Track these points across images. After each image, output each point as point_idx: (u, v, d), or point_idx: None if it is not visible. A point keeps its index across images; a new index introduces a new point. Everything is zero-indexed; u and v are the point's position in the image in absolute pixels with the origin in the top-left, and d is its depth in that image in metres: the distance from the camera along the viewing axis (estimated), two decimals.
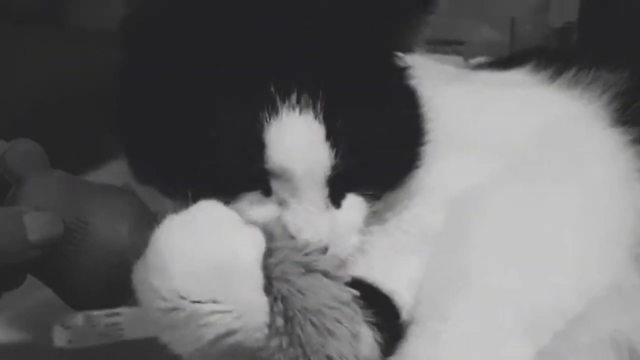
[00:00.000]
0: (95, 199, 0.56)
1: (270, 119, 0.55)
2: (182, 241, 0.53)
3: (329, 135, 0.56)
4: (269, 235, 0.57)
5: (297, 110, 0.55)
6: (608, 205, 0.63)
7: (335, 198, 0.58)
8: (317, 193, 0.57)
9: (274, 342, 0.54)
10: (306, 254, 0.57)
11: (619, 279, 0.62)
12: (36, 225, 0.53)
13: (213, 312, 0.52)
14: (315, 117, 0.55)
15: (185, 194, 0.55)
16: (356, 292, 0.58)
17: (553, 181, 0.63)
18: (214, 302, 0.52)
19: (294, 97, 0.55)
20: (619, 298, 0.63)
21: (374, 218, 0.61)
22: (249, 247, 0.54)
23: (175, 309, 0.52)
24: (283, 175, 0.56)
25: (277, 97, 0.55)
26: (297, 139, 0.55)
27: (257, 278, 0.53)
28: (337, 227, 0.58)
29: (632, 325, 0.64)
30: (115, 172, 0.88)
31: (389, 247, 0.63)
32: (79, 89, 1.89)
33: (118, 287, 0.55)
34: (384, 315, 0.60)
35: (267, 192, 0.57)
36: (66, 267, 0.55)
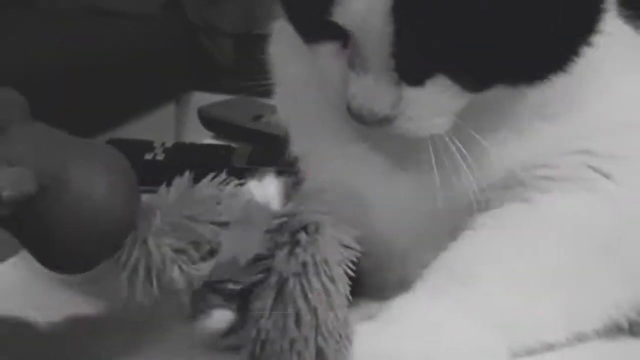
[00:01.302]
0: (74, 154, 0.55)
1: None
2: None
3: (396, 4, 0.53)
4: None
5: None
6: None
7: (415, 74, 0.55)
8: (380, 62, 0.54)
9: None
10: None
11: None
12: (7, 181, 0.51)
13: None
14: None
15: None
16: None
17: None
18: None
19: None
20: None
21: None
22: None
23: None
24: (349, 34, 0.55)
25: None
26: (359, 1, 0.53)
27: None
28: (406, 103, 0.55)
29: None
30: None
31: None
32: (51, 66, 1.91)
33: (95, 247, 0.54)
34: None
35: (344, 45, 0.56)
36: (42, 225, 0.53)
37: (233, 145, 0.88)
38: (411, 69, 0.55)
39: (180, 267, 0.55)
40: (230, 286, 0.57)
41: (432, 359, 0.54)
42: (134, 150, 0.86)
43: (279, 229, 0.57)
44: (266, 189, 0.60)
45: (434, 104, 0.56)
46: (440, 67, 0.55)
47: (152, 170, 0.83)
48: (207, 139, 0.97)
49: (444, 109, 0.56)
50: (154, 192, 0.59)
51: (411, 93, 0.55)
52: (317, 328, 0.54)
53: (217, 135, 0.97)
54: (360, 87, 0.55)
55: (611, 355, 0.59)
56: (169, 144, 0.86)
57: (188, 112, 2.26)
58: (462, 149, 0.57)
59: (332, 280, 0.55)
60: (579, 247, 0.59)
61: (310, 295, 0.54)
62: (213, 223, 0.57)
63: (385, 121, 0.55)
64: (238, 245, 0.57)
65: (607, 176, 0.59)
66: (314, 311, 0.54)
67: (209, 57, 2.35)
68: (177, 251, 0.56)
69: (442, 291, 0.58)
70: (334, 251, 0.56)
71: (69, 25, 2.13)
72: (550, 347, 0.58)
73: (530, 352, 0.58)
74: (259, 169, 0.73)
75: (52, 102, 1.96)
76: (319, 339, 0.53)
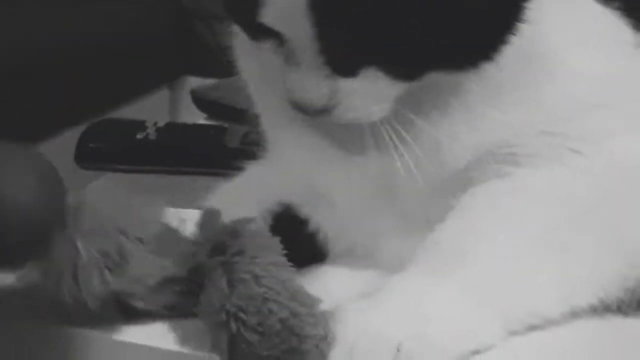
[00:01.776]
0: (3, 157, 0.57)
1: None
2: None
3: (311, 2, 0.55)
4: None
5: None
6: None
7: (344, 67, 0.57)
8: (310, 58, 0.57)
9: None
10: None
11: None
12: None
13: None
14: None
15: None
16: None
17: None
18: None
19: None
20: None
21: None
22: None
23: None
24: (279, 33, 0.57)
25: None
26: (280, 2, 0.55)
27: None
28: (342, 93, 0.58)
29: None
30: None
31: None
32: (46, 50, 1.90)
33: (27, 245, 0.55)
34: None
35: (280, 43, 0.58)
36: None
37: (225, 125, 0.88)
38: (339, 62, 0.57)
39: (101, 271, 0.56)
40: (136, 304, 0.57)
41: (422, 337, 0.54)
42: (126, 129, 0.86)
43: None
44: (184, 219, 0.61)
45: (369, 93, 0.58)
46: (367, 60, 0.57)
47: (144, 149, 0.83)
48: (201, 120, 0.97)
49: (380, 98, 0.58)
50: (152, 172, 0.59)
51: (345, 84, 0.57)
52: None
53: (211, 117, 0.97)
54: (296, 81, 0.58)
55: (604, 334, 0.59)
56: (161, 124, 0.86)
57: (182, 96, 2.26)
58: (402, 132, 0.59)
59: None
60: (561, 217, 0.59)
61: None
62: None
63: (325, 111, 0.58)
64: (147, 266, 0.58)
65: (575, 152, 0.60)
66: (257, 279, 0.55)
67: (203, 42, 2.35)
68: (103, 253, 0.57)
69: (433, 270, 0.58)
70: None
71: (64, 9, 2.13)
72: (546, 322, 0.58)
73: (527, 328, 0.57)
74: (252, 149, 0.73)
75: (47, 85, 1.97)
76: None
